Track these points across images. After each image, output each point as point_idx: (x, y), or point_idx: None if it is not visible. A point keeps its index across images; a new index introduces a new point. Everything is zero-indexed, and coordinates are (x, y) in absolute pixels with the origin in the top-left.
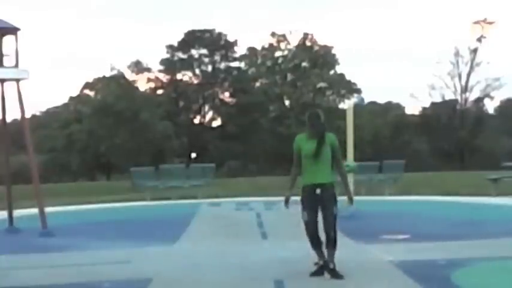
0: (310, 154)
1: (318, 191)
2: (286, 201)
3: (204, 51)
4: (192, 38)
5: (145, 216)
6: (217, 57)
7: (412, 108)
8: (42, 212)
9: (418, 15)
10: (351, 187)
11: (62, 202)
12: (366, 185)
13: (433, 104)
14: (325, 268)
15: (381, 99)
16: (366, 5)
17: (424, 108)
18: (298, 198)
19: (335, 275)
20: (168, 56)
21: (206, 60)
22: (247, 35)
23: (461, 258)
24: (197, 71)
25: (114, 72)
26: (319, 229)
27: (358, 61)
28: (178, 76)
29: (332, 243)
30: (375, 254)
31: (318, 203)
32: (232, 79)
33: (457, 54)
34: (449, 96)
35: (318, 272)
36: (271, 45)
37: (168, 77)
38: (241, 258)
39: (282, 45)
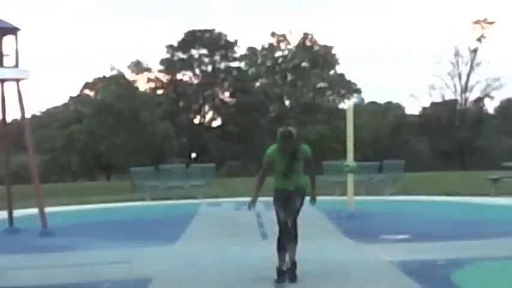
0: (283, 170)
1: (291, 188)
2: (253, 203)
3: (204, 51)
4: (192, 38)
5: (145, 216)
6: (217, 57)
7: (412, 108)
8: (42, 212)
9: (418, 15)
10: (351, 187)
11: (62, 202)
12: (366, 185)
13: (433, 104)
14: (287, 271)
15: (381, 99)
16: (366, 5)
17: (424, 108)
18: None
19: (291, 277)
20: (168, 56)
21: (206, 60)
22: (247, 35)
23: (461, 258)
24: (197, 71)
25: (114, 72)
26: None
27: (358, 61)
28: (178, 76)
29: (292, 236)
30: (374, 254)
31: (289, 199)
32: (232, 79)
33: (457, 54)
34: (449, 96)
35: (281, 279)
36: (271, 45)
37: (168, 77)
38: (241, 258)
39: (282, 45)
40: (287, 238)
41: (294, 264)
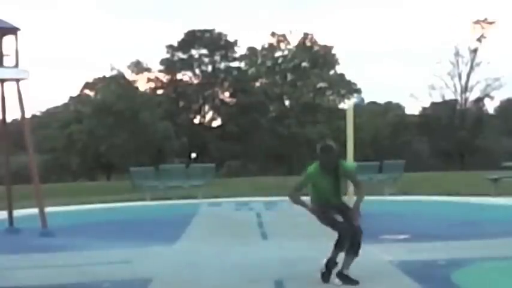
0: (327, 188)
1: (336, 203)
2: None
3: (204, 51)
4: (192, 38)
5: (145, 216)
6: (217, 57)
7: (412, 108)
8: (42, 212)
9: (418, 15)
10: (351, 187)
11: (62, 202)
12: (366, 185)
13: (433, 104)
14: (338, 274)
15: (381, 99)
16: (366, 5)
17: (424, 108)
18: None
19: (326, 276)
20: (168, 56)
21: (206, 60)
22: (247, 35)
23: (461, 258)
24: (197, 71)
25: (114, 72)
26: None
27: (358, 61)
28: (178, 76)
29: (357, 249)
30: (374, 254)
31: (340, 210)
32: (232, 79)
33: (457, 54)
34: (449, 96)
35: (326, 277)
36: (271, 45)
37: (168, 77)
38: (241, 258)
39: (282, 45)
40: (346, 244)
41: (340, 274)
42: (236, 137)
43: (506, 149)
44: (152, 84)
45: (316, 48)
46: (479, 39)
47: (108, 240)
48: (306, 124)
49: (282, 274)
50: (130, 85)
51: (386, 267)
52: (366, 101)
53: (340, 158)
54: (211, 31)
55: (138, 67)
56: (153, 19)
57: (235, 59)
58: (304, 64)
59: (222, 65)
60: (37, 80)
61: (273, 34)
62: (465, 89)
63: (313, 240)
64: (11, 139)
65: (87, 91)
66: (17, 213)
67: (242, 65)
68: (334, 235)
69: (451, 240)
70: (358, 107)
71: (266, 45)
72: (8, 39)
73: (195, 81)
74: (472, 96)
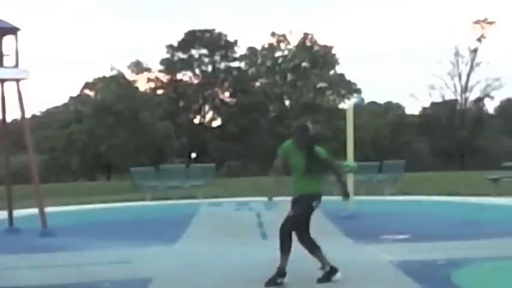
0: (298, 168)
1: (296, 195)
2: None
3: (204, 51)
4: (192, 38)
5: (145, 216)
6: (217, 57)
7: (412, 108)
8: (42, 212)
9: (418, 15)
10: (351, 187)
11: (62, 202)
12: (366, 185)
13: (433, 104)
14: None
15: (381, 99)
16: (366, 5)
17: (424, 108)
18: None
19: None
20: (168, 56)
21: (206, 60)
22: (247, 35)
23: (461, 258)
24: (197, 71)
25: (114, 72)
26: (309, 234)
27: (358, 61)
28: (178, 76)
29: (280, 244)
30: (374, 254)
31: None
32: (232, 79)
33: (457, 54)
34: (449, 96)
35: (324, 279)
36: (271, 45)
37: (168, 77)
38: (241, 258)
39: (282, 45)
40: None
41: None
42: (236, 137)
43: (506, 149)
44: (152, 84)
45: (316, 48)
46: (479, 39)
47: (108, 240)
48: None
49: None
50: (130, 85)
51: (386, 267)
52: (366, 101)
53: (317, 142)
54: (211, 31)
55: (138, 67)
56: (153, 19)
57: (235, 59)
58: (304, 64)
59: (222, 65)
60: (37, 80)
61: (273, 34)
62: (465, 89)
63: None
64: (11, 139)
65: (87, 91)
66: (17, 213)
67: (242, 65)
68: (334, 235)
69: (451, 240)
70: (358, 107)
71: (266, 45)
72: (8, 39)
73: (195, 81)
74: (472, 96)
